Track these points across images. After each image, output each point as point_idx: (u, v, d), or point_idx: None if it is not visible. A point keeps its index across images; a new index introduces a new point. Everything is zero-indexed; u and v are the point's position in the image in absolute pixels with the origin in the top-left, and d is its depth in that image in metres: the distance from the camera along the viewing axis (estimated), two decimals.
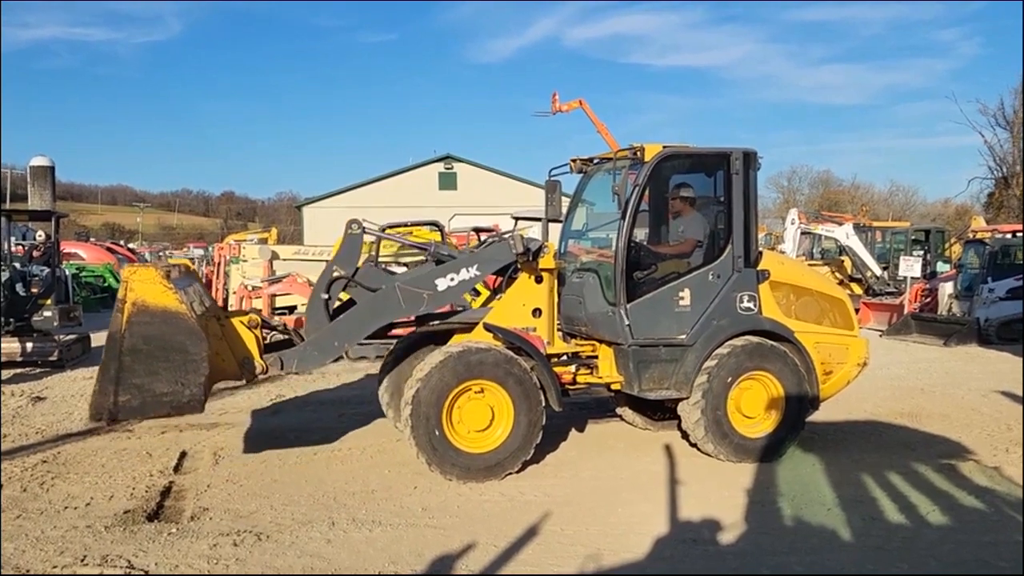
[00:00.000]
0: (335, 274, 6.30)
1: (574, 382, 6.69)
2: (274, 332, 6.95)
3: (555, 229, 7.70)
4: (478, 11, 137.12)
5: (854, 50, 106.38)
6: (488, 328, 6.33)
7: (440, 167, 41.91)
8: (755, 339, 6.48)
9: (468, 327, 6.54)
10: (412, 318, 6.72)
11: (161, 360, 5.31)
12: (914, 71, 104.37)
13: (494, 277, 6.95)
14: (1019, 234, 17.48)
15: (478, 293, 9.51)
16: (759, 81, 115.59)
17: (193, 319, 5.41)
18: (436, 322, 6.79)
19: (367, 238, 6.68)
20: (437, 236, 8.44)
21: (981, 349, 14.05)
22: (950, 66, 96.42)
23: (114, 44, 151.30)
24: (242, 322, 6.12)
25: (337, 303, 6.52)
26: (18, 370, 10.81)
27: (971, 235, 20.45)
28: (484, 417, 5.98)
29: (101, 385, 5.27)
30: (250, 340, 6.07)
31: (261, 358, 6.04)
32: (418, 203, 33.27)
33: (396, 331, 9.60)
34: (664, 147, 6.47)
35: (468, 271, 6.33)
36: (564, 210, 7.19)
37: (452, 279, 6.28)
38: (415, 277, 6.52)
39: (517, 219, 14.63)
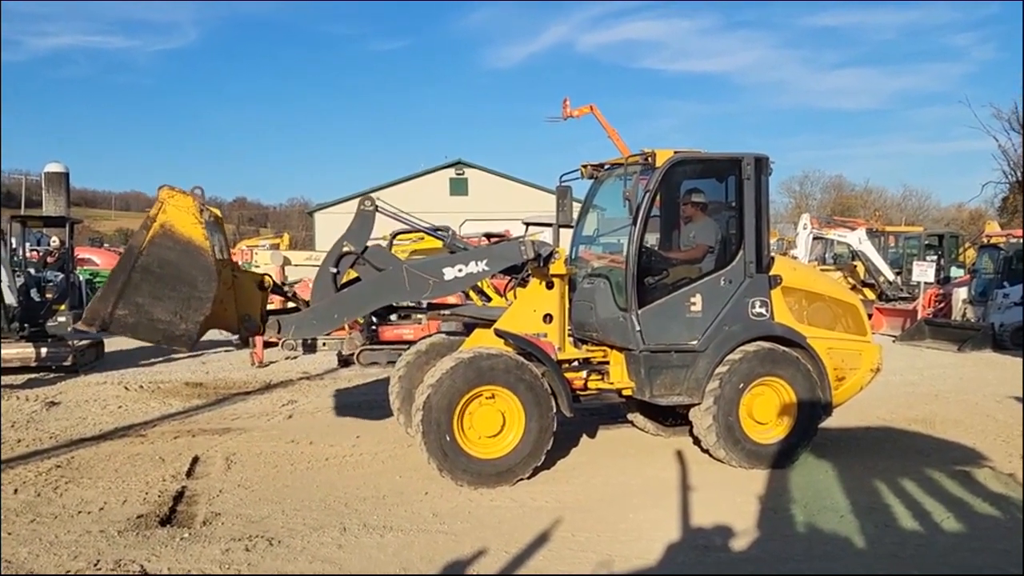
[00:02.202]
0: (344, 249, 6.24)
1: (585, 388, 6.68)
2: (282, 298, 7.00)
3: (566, 235, 7.70)
4: (490, 18, 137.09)
5: (867, 55, 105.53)
6: (499, 334, 6.33)
7: (451, 173, 42.00)
8: (767, 345, 6.46)
9: (491, 324, 6.56)
10: (424, 304, 6.70)
11: (168, 288, 5.29)
12: (928, 75, 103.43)
13: (504, 282, 6.94)
14: None
15: (489, 299, 9.52)
16: (771, 86, 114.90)
17: (213, 258, 5.40)
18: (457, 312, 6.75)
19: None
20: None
21: (996, 355, 13.95)
22: (964, 70, 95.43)
23: (131, 52, 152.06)
24: (254, 280, 6.16)
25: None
26: (32, 375, 10.90)
27: (985, 240, 20.29)
28: (495, 423, 5.99)
29: (104, 293, 5.26)
30: (257, 299, 6.09)
31: (262, 319, 6.06)
32: (429, 209, 33.25)
33: (405, 336, 9.66)
34: (675, 152, 6.47)
35: (477, 264, 6.33)
36: (575, 216, 7.19)
37: (460, 270, 6.28)
38: (424, 263, 6.54)
39: (528, 224, 14.65)
